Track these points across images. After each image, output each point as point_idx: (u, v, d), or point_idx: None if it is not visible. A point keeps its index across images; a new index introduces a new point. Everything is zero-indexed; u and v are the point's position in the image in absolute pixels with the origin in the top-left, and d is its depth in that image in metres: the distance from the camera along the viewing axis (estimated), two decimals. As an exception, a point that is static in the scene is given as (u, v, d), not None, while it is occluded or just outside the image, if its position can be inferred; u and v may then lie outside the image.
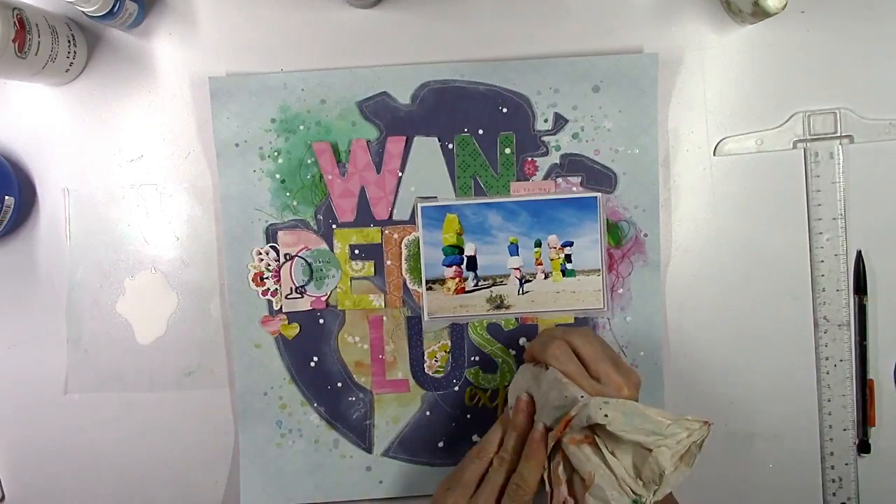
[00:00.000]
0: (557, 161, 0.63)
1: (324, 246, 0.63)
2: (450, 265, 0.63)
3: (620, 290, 0.63)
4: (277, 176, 0.63)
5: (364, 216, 0.63)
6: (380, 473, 0.64)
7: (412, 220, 0.63)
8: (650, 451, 0.46)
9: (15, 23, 0.53)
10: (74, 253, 0.64)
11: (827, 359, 0.64)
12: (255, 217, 0.63)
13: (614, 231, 0.63)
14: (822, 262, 0.63)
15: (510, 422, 0.53)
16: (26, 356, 0.64)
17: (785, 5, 0.57)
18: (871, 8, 0.63)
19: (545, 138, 0.62)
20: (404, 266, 0.63)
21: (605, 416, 0.46)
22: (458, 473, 0.53)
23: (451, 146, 0.62)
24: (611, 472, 0.47)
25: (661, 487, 0.47)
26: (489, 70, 0.62)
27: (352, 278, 0.63)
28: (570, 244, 0.62)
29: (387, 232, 0.63)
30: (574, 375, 0.51)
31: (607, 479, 0.47)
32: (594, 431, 0.48)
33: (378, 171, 0.63)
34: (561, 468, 0.49)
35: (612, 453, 0.47)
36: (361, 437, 0.64)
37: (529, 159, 0.63)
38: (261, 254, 0.63)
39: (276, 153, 0.63)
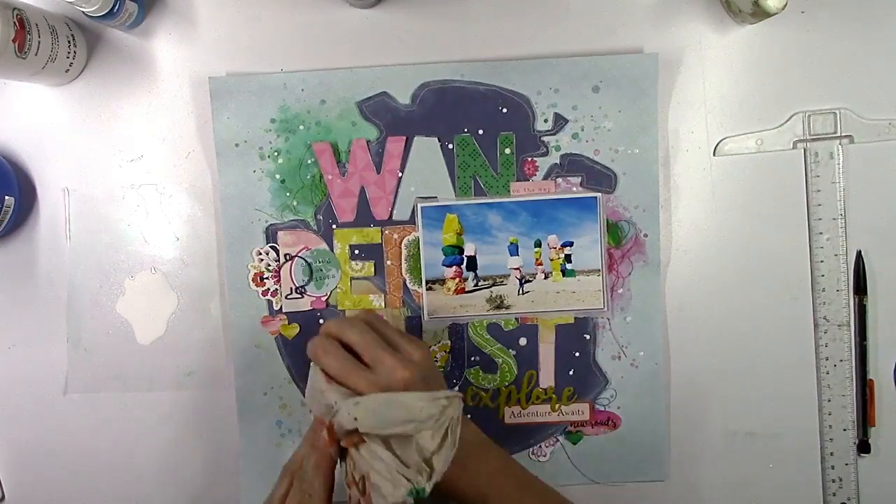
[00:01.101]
0: (557, 161, 0.63)
1: (324, 246, 0.63)
2: (450, 265, 0.63)
3: (620, 290, 0.63)
4: (277, 176, 0.63)
5: (364, 216, 0.63)
6: (380, 473, 0.64)
7: (412, 220, 0.63)
8: (410, 437, 0.47)
9: (15, 23, 0.53)
10: (74, 253, 0.64)
11: (827, 359, 0.64)
12: (255, 217, 0.63)
13: (614, 231, 0.63)
14: (822, 262, 0.63)
15: (304, 436, 0.53)
16: (26, 356, 0.64)
17: (785, 5, 0.57)
18: (871, 8, 0.63)
19: (545, 138, 0.62)
20: (404, 266, 0.63)
21: (355, 419, 0.47)
22: (271, 495, 0.52)
23: (451, 146, 0.62)
24: (382, 467, 0.47)
25: (434, 471, 0.47)
26: (489, 70, 0.62)
27: (352, 278, 0.63)
28: (570, 244, 0.62)
29: (387, 232, 0.63)
30: (340, 373, 0.50)
31: (382, 475, 0.47)
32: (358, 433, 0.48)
33: (378, 171, 0.63)
34: (354, 470, 0.49)
35: (389, 447, 0.47)
36: (361, 437, 0.64)
37: (529, 159, 0.63)
38: (261, 254, 0.63)
39: (276, 153, 0.63)
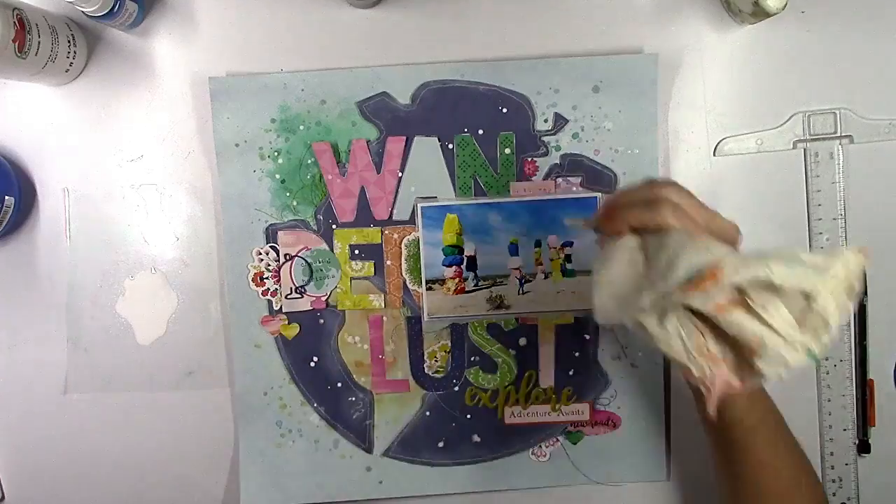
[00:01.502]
0: (557, 161, 0.63)
1: (324, 246, 0.63)
2: (450, 265, 0.63)
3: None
4: (277, 176, 0.63)
5: (364, 216, 0.63)
6: (380, 473, 0.64)
7: (412, 220, 0.63)
8: (807, 297, 0.41)
9: (15, 23, 0.53)
10: (74, 253, 0.64)
11: (827, 359, 0.64)
12: (255, 217, 0.63)
13: (614, 231, 0.63)
14: (822, 262, 0.63)
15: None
16: (26, 356, 0.64)
17: (785, 5, 0.57)
18: (871, 8, 0.63)
19: (545, 138, 0.62)
20: (404, 266, 0.63)
21: (770, 270, 0.40)
22: None
23: (451, 146, 0.62)
24: (775, 331, 0.41)
25: (827, 332, 0.42)
26: (489, 70, 0.62)
27: (352, 278, 0.63)
28: (570, 244, 0.62)
29: (387, 232, 0.63)
30: (709, 220, 0.46)
31: (775, 340, 0.41)
32: (741, 293, 0.42)
33: (378, 171, 0.63)
34: (712, 344, 0.43)
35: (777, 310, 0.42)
36: (361, 437, 0.64)
37: (529, 159, 0.63)
38: (261, 254, 0.63)
39: (276, 153, 0.63)
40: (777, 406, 0.54)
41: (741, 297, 0.42)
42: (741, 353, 0.43)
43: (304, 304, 0.63)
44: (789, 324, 0.42)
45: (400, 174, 0.63)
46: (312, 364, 0.63)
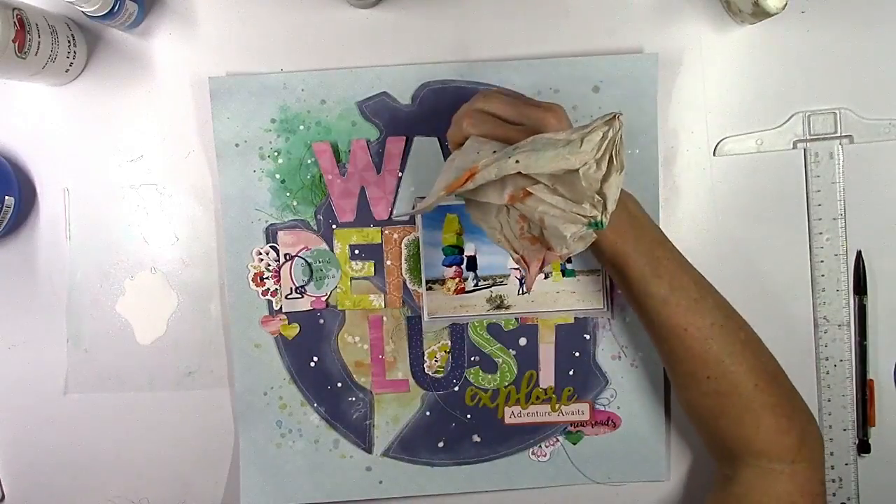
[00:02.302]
0: (557, 161, 0.62)
1: (324, 246, 0.63)
2: (450, 265, 0.63)
3: (620, 290, 0.63)
4: (277, 176, 0.63)
5: (364, 216, 0.63)
6: (380, 473, 0.64)
7: (412, 220, 0.63)
8: (572, 173, 0.45)
9: (15, 23, 0.53)
10: (74, 253, 0.64)
11: (827, 359, 0.64)
12: (255, 217, 0.63)
13: (614, 231, 0.63)
14: (822, 262, 0.63)
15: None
16: (26, 356, 0.64)
17: (785, 5, 0.57)
18: (872, 8, 0.63)
19: (545, 138, 0.62)
20: (404, 266, 0.63)
21: (517, 161, 0.45)
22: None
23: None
24: (554, 207, 0.46)
25: (607, 198, 0.46)
26: (489, 70, 0.62)
27: (352, 278, 0.63)
28: (570, 244, 0.62)
29: (387, 232, 0.63)
30: (495, 131, 0.50)
31: (556, 217, 0.46)
32: (528, 181, 0.47)
33: (378, 171, 0.63)
34: (521, 224, 0.49)
35: (556, 192, 0.46)
36: (361, 437, 0.64)
37: (529, 159, 0.62)
38: (261, 254, 0.63)
39: (276, 153, 0.63)
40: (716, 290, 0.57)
41: (527, 187, 0.47)
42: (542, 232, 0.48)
43: (304, 304, 0.63)
44: (563, 204, 0.46)
45: (400, 174, 0.63)
46: (312, 364, 0.63)
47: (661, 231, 0.56)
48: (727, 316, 0.55)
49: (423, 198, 0.63)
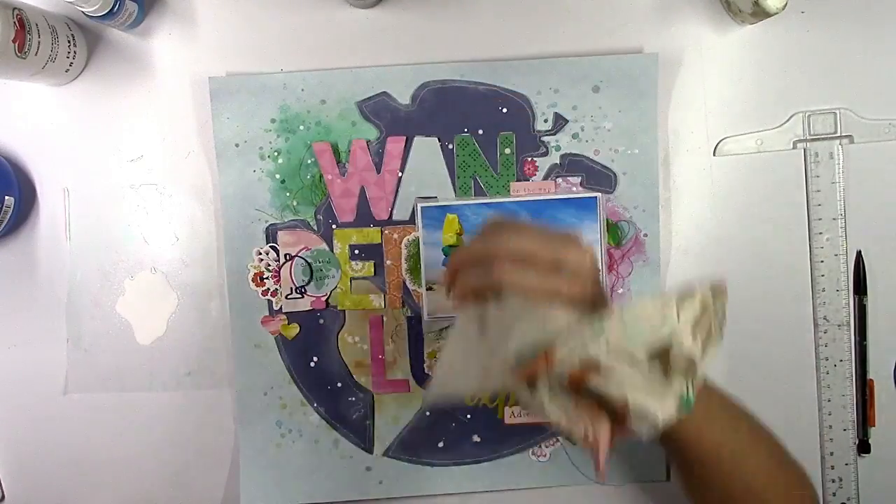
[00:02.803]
0: (557, 161, 0.63)
1: (324, 246, 0.63)
2: (450, 265, 0.63)
3: (620, 290, 0.63)
4: (277, 176, 0.63)
5: (364, 216, 0.63)
6: (380, 473, 0.64)
7: (412, 220, 0.63)
8: (668, 347, 0.40)
9: (15, 23, 0.53)
10: (74, 253, 0.64)
11: (827, 359, 0.64)
12: (255, 217, 0.63)
13: (614, 231, 0.63)
14: (822, 262, 0.63)
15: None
16: (26, 356, 0.64)
17: (785, 5, 0.57)
18: (871, 8, 0.63)
19: (545, 138, 0.62)
20: (404, 266, 0.63)
21: (607, 342, 0.39)
22: None
23: (451, 146, 0.62)
24: (638, 385, 0.40)
25: (697, 372, 0.40)
26: (489, 70, 0.62)
27: (352, 278, 0.63)
28: (570, 244, 0.62)
29: (387, 232, 0.63)
30: (542, 286, 0.41)
31: (641, 396, 0.40)
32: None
33: (378, 171, 0.63)
34: (586, 404, 0.42)
35: (633, 363, 0.40)
36: (361, 437, 0.64)
37: (529, 159, 0.63)
38: (261, 254, 0.63)
39: (276, 153, 0.63)
40: (747, 410, 0.51)
41: (594, 360, 0.40)
42: (615, 409, 0.41)
43: (304, 304, 0.63)
44: (648, 380, 0.40)
45: (400, 174, 0.63)
46: (312, 364, 0.63)
47: (734, 399, 0.50)
48: (771, 453, 0.51)
49: (424, 198, 0.63)
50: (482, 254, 0.43)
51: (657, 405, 0.39)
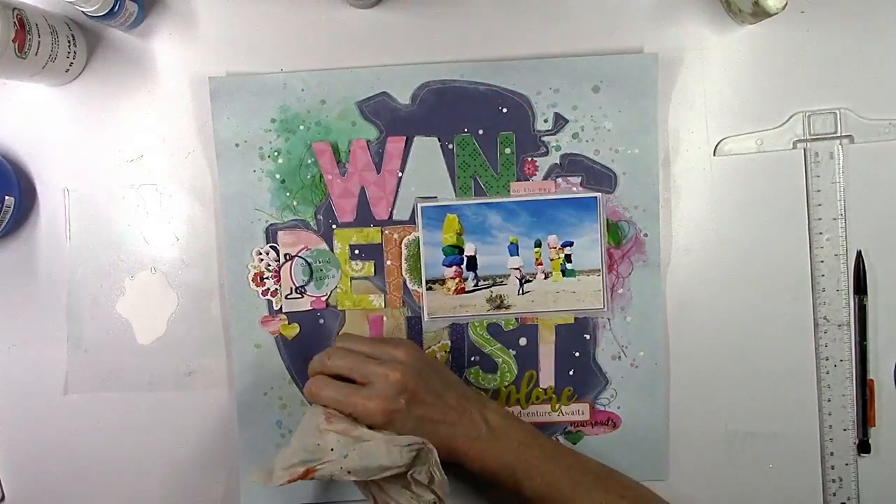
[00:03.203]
0: (557, 161, 0.63)
1: (324, 246, 0.63)
2: (450, 265, 0.63)
3: (620, 290, 0.63)
4: (277, 176, 0.63)
5: (364, 216, 0.63)
6: (380, 473, 0.64)
7: (412, 220, 0.63)
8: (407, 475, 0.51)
9: (15, 23, 0.53)
10: (74, 253, 0.64)
11: (827, 359, 0.64)
12: (255, 217, 0.63)
13: (614, 231, 0.63)
14: (822, 262, 0.63)
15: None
16: (26, 356, 0.64)
17: (785, 5, 0.57)
18: (871, 8, 0.63)
19: (545, 138, 0.62)
20: (404, 266, 0.63)
21: (349, 472, 0.49)
22: None
23: (451, 146, 0.62)
24: (401, 500, 0.51)
25: (441, 496, 0.51)
26: (489, 70, 0.62)
27: (352, 278, 0.63)
28: (570, 244, 0.62)
29: (387, 232, 0.63)
30: (341, 398, 0.52)
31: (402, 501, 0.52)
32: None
33: (378, 171, 0.63)
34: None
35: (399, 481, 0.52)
36: (361, 437, 0.64)
37: (529, 159, 0.63)
38: (261, 254, 0.63)
39: (276, 153, 0.63)
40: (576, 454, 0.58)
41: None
42: None
43: (304, 304, 0.63)
44: (406, 499, 0.51)
45: (400, 174, 0.63)
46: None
47: (528, 428, 0.57)
48: (608, 489, 0.56)
49: (424, 198, 0.63)
50: (311, 369, 0.56)
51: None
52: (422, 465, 0.51)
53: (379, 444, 0.50)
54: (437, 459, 0.51)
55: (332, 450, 0.50)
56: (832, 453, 0.64)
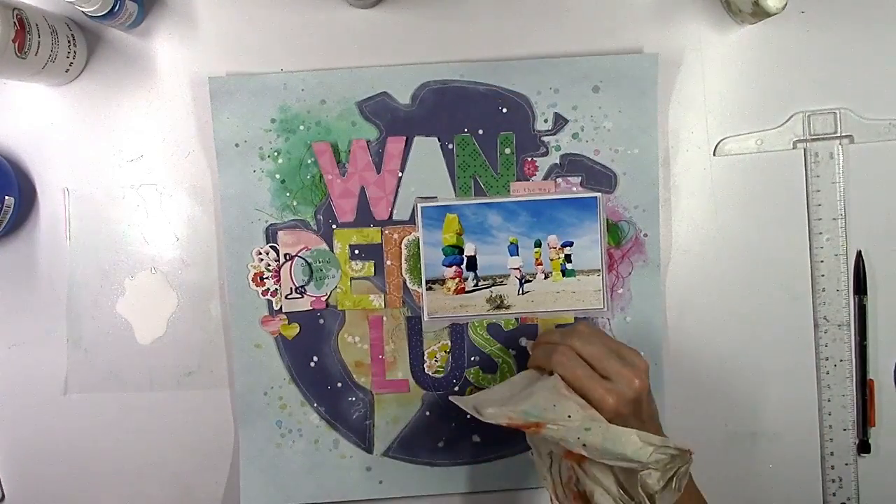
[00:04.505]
0: (557, 161, 0.63)
1: (324, 246, 0.63)
2: (450, 265, 0.63)
3: (620, 290, 0.63)
4: (277, 176, 0.63)
5: (364, 216, 0.63)
6: (380, 473, 0.64)
7: (412, 220, 0.63)
8: (635, 472, 0.48)
9: (15, 23, 0.53)
10: (74, 253, 0.64)
11: (827, 359, 0.64)
12: (255, 217, 0.63)
13: (614, 231, 0.63)
14: (822, 262, 0.63)
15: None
16: (26, 356, 0.64)
17: (785, 5, 0.57)
18: (871, 8, 0.63)
19: (545, 138, 0.62)
20: (404, 266, 0.63)
21: (584, 445, 0.48)
22: None
23: (451, 146, 0.62)
24: (607, 493, 0.49)
25: (663, 500, 0.48)
26: (489, 70, 0.62)
27: (352, 278, 0.63)
28: (570, 244, 0.62)
29: (387, 232, 0.63)
30: (584, 382, 0.51)
31: (606, 498, 0.49)
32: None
33: (378, 171, 0.63)
34: (575, 484, 0.52)
35: (614, 472, 0.50)
36: (361, 437, 0.64)
37: (529, 159, 0.63)
38: (261, 254, 0.63)
39: (276, 153, 0.63)
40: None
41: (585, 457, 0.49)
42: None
43: (304, 304, 0.63)
44: (617, 493, 0.50)
45: (400, 174, 0.63)
46: (312, 364, 0.63)
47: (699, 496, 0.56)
48: None
49: (424, 198, 0.63)
50: (555, 339, 0.55)
51: None
52: (659, 471, 0.48)
53: (631, 434, 0.47)
54: (690, 473, 0.49)
55: (569, 416, 0.49)
56: (832, 453, 0.64)
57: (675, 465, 0.48)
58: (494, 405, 0.50)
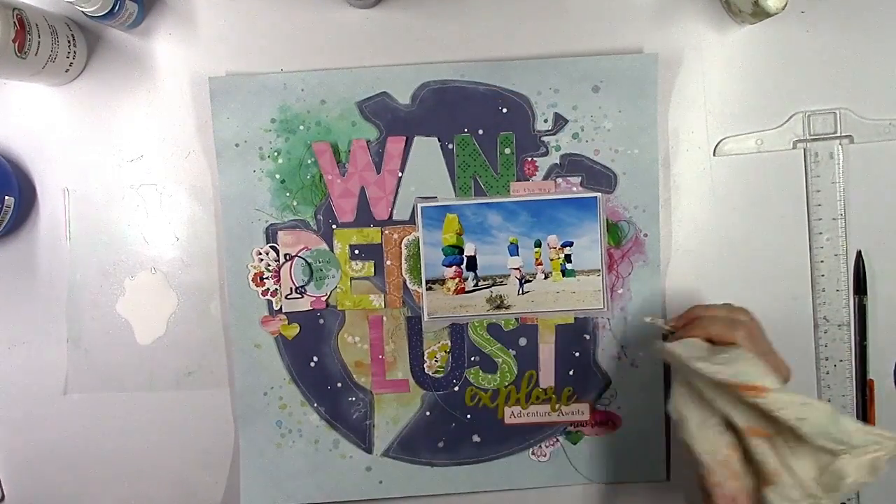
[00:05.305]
0: (557, 161, 0.63)
1: (324, 246, 0.63)
2: (450, 265, 0.63)
3: (620, 290, 0.63)
4: (277, 176, 0.63)
5: (364, 216, 0.63)
6: (380, 473, 0.64)
7: (412, 220, 0.63)
8: (834, 456, 0.47)
9: (15, 23, 0.53)
10: (74, 253, 0.64)
11: (827, 359, 0.64)
12: (255, 217, 0.63)
13: (614, 231, 0.63)
14: (822, 262, 0.63)
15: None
16: (26, 356, 0.64)
17: (785, 5, 0.57)
18: (871, 8, 0.63)
19: (545, 138, 0.62)
20: (404, 266, 0.63)
21: (802, 419, 0.46)
22: None
23: (451, 146, 0.62)
24: (794, 473, 0.48)
25: (839, 494, 0.48)
26: (489, 70, 0.62)
27: (352, 278, 0.63)
28: (570, 244, 0.62)
29: (387, 232, 0.63)
30: (768, 355, 0.51)
31: (791, 481, 0.48)
32: (776, 427, 0.48)
33: (378, 171, 0.63)
34: (736, 461, 0.50)
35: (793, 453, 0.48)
36: (361, 437, 0.64)
37: (529, 159, 0.63)
38: (261, 254, 0.63)
39: (276, 153, 0.63)
40: None
41: (774, 432, 0.48)
42: (758, 477, 0.49)
43: (304, 304, 0.63)
44: (809, 475, 0.48)
45: (400, 174, 0.63)
46: (312, 364, 0.64)
47: None
48: None
49: (424, 198, 0.63)
50: (728, 315, 0.55)
51: (798, 497, 0.48)
52: (860, 458, 0.47)
53: (848, 418, 0.47)
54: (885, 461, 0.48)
55: (775, 388, 0.48)
56: (832, 453, 0.64)
57: (877, 454, 0.47)
58: (702, 361, 0.50)
